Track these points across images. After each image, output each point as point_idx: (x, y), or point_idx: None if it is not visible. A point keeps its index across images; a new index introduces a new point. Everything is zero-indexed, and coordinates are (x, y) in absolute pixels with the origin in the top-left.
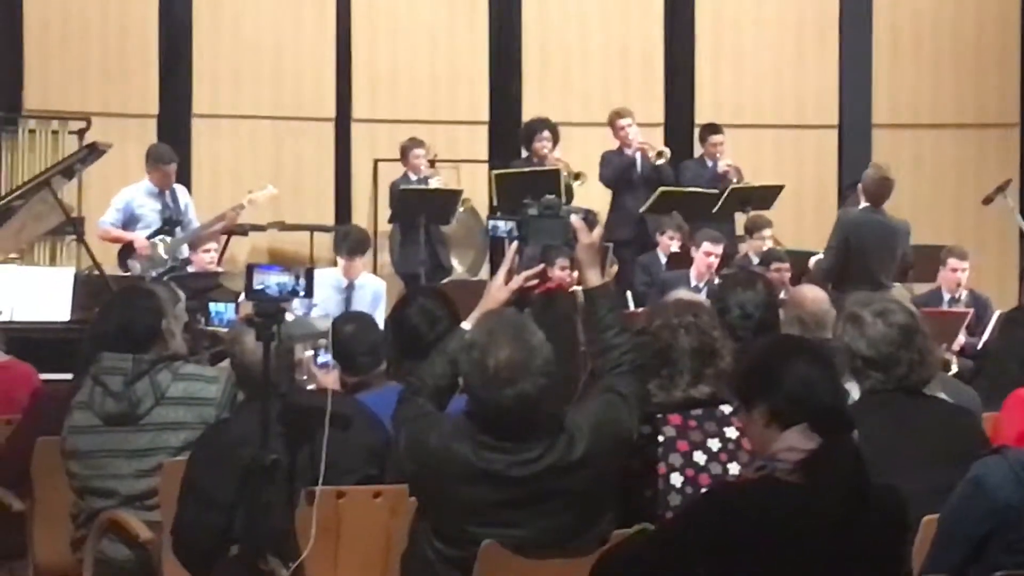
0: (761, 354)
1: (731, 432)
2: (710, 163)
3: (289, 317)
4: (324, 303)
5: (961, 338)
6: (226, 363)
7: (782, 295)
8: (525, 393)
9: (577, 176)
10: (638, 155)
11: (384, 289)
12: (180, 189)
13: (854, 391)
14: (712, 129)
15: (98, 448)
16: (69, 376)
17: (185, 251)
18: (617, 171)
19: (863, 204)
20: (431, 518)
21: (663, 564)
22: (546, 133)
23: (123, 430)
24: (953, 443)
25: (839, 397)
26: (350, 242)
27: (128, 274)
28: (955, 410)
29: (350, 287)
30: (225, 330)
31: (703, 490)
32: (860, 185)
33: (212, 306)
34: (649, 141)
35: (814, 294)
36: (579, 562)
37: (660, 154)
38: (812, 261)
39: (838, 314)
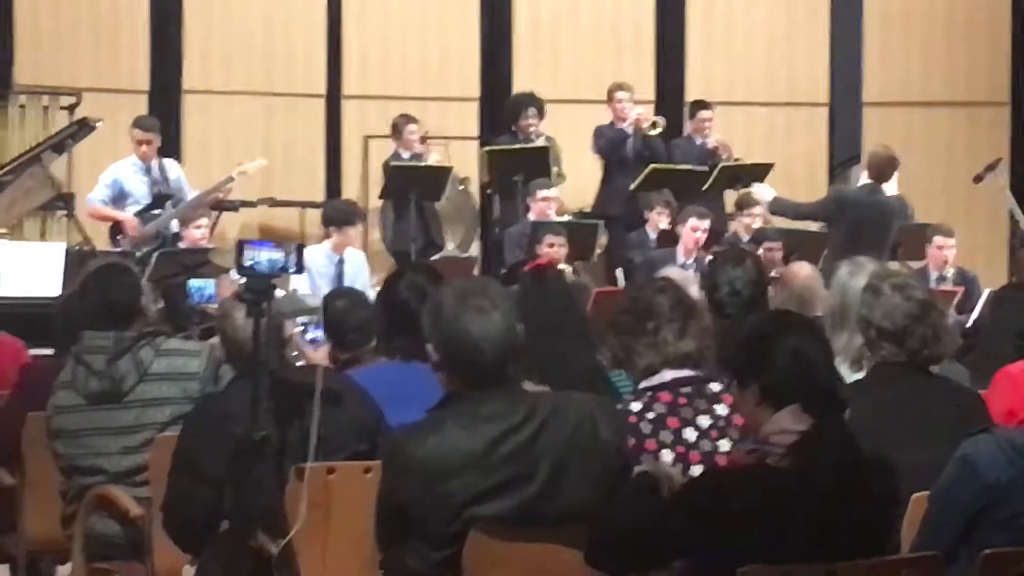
0: (755, 329)
1: (721, 409)
2: (699, 140)
3: (279, 293)
4: (319, 279)
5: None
6: (215, 339)
7: (773, 274)
8: (496, 330)
9: (654, 125)
10: (631, 130)
11: (364, 258)
12: (170, 163)
13: (847, 374)
14: (701, 105)
15: (83, 427)
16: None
17: (175, 226)
18: (610, 143)
19: (864, 180)
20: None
21: (653, 547)
22: (531, 110)
23: (108, 408)
24: (958, 422)
25: (832, 375)
26: (343, 213)
27: (119, 250)
28: (961, 390)
29: (341, 261)
30: (211, 307)
31: (693, 470)
32: (867, 161)
33: (192, 283)
34: (645, 113)
35: (805, 272)
36: (571, 538)
37: (654, 124)
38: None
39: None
